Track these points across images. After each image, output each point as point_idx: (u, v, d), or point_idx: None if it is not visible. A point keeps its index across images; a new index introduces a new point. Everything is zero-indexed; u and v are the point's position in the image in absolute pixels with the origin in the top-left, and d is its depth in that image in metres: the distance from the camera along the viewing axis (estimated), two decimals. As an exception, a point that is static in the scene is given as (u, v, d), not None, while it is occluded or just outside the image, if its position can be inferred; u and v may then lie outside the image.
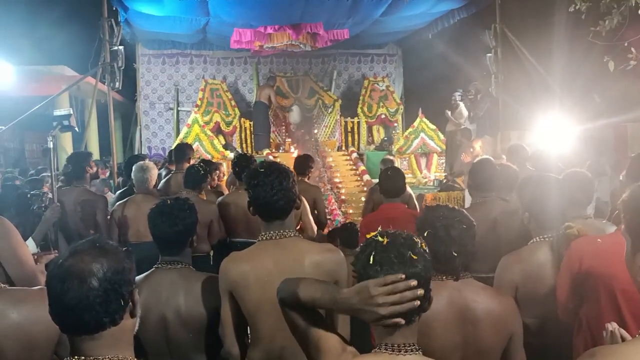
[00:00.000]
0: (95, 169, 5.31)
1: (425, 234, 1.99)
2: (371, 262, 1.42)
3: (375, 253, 1.43)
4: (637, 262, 1.18)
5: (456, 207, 2.15)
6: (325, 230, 5.11)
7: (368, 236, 1.50)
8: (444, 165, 10.17)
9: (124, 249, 1.38)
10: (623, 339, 1.53)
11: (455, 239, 1.99)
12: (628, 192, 1.24)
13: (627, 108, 7.96)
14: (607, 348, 1.19)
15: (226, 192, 5.38)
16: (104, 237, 1.37)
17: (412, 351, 1.41)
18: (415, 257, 1.40)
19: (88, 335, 1.27)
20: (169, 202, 2.39)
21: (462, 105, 9.88)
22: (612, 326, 1.56)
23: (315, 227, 4.51)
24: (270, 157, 10.15)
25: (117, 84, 8.89)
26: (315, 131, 11.79)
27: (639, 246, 1.18)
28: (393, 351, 1.40)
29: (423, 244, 1.44)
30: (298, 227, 4.40)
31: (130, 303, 1.34)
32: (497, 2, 9.32)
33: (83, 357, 1.27)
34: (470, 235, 2.04)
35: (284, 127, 11.85)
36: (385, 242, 1.43)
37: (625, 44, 6.01)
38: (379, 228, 1.52)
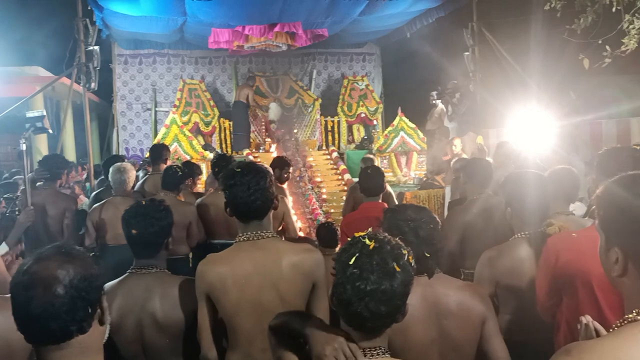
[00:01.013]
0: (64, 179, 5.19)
1: None
2: (351, 263, 1.40)
3: (359, 256, 1.40)
4: (611, 258, 1.18)
5: (423, 205, 2.15)
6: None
7: (357, 235, 1.47)
8: (424, 163, 10.22)
9: (91, 254, 1.33)
10: (597, 332, 1.53)
11: (424, 240, 1.98)
12: (602, 188, 1.24)
13: (602, 105, 8.09)
14: (582, 344, 1.18)
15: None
16: (70, 243, 1.32)
17: (378, 354, 1.40)
18: (398, 269, 1.37)
19: (54, 345, 1.22)
20: (143, 203, 2.34)
21: (440, 104, 9.93)
22: (586, 319, 1.57)
23: (297, 228, 4.49)
24: (251, 157, 10.09)
25: (92, 84, 8.75)
26: (295, 131, 11.74)
27: (612, 241, 1.18)
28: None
29: (410, 257, 1.42)
30: (280, 228, 4.37)
31: (99, 310, 1.29)
32: (474, 1, 9.39)
33: None
34: (438, 233, 2.04)
35: (263, 127, 11.78)
36: (372, 246, 1.40)
37: (600, 42, 6.09)
38: (369, 229, 1.50)
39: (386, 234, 1.46)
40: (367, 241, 1.41)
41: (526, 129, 7.13)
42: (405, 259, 1.41)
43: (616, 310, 2.02)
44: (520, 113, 7.47)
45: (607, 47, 6.03)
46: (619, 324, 1.15)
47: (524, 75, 8.32)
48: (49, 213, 4.59)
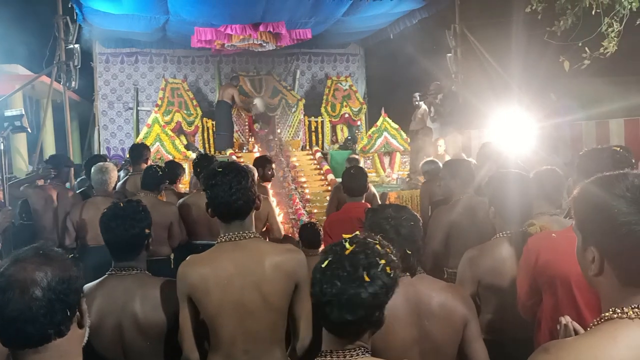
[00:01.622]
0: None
1: None
2: (323, 266, 1.40)
3: (331, 260, 1.39)
4: (588, 257, 1.20)
5: (406, 206, 2.16)
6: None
7: (345, 236, 1.46)
8: (407, 163, 10.26)
9: (70, 255, 1.30)
10: (576, 332, 1.55)
11: (406, 237, 1.99)
12: (579, 188, 1.25)
13: (582, 106, 8.21)
14: (560, 342, 1.20)
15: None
16: (49, 244, 1.29)
17: (358, 355, 1.40)
18: (367, 279, 1.35)
19: (32, 349, 1.20)
20: (121, 204, 2.30)
21: (423, 105, 9.98)
22: (566, 319, 1.59)
23: (282, 229, 4.48)
24: (234, 157, 10.04)
25: (73, 83, 8.64)
26: (279, 131, 11.71)
27: (589, 241, 1.19)
28: (338, 356, 1.40)
29: (388, 268, 1.39)
30: (264, 228, 4.35)
31: (78, 313, 1.26)
32: (456, 2, 9.46)
33: None
34: (419, 230, 2.05)
35: (247, 127, 11.73)
36: (348, 251, 1.39)
37: (580, 44, 6.18)
38: (357, 232, 1.49)
39: (372, 239, 1.44)
40: (347, 245, 1.41)
41: (507, 130, 7.20)
42: (380, 269, 1.37)
43: (594, 309, 2.05)
44: (501, 114, 7.54)
45: (587, 49, 6.12)
46: (596, 323, 1.17)
47: (505, 77, 8.41)
48: (58, 210, 4.74)
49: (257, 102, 11.23)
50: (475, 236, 3.25)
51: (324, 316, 1.40)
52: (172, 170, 5.18)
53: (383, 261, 1.39)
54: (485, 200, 3.51)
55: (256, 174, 4.61)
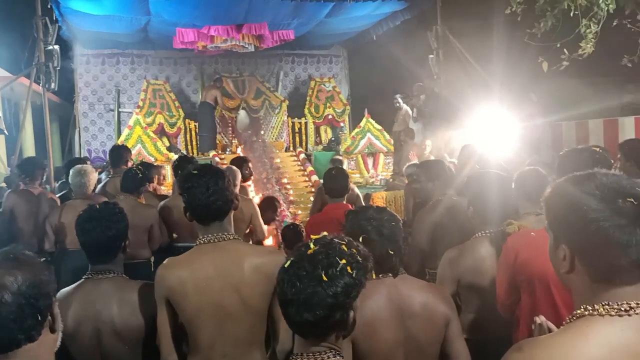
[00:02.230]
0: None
1: (360, 240, 1.97)
2: (285, 267, 1.40)
3: (294, 260, 1.39)
4: (559, 255, 1.21)
5: (387, 206, 2.17)
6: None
7: (313, 237, 1.46)
8: (391, 164, 10.30)
9: (42, 259, 1.28)
10: (551, 331, 1.57)
11: (388, 237, 1.99)
12: (551, 187, 1.27)
13: (562, 107, 8.32)
14: (533, 340, 1.22)
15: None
16: (19, 247, 1.27)
17: (328, 357, 1.39)
18: (325, 279, 1.33)
19: (1, 354, 1.17)
20: (97, 206, 2.27)
21: (405, 106, 10.04)
22: (540, 319, 1.61)
23: (266, 230, 4.46)
24: (217, 159, 10.00)
25: (52, 84, 8.54)
26: (263, 132, 11.68)
27: (560, 239, 1.21)
28: (308, 358, 1.39)
29: (349, 267, 1.36)
30: (248, 230, 4.34)
31: (50, 318, 1.24)
32: (438, 4, 9.52)
33: None
34: (400, 231, 2.06)
35: (230, 128, 11.68)
36: (310, 251, 1.38)
37: (558, 45, 6.26)
38: (324, 233, 1.48)
39: (339, 240, 1.43)
40: (311, 245, 1.40)
41: (489, 130, 7.27)
42: (339, 268, 1.35)
43: (571, 308, 2.06)
44: (483, 114, 7.61)
45: (565, 50, 6.21)
46: (568, 320, 1.18)
47: (486, 77, 8.49)
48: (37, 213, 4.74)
49: (240, 122, 11.13)
50: (457, 236, 3.28)
51: (286, 316, 1.40)
52: (117, 155, 5.19)
53: (344, 261, 1.37)
54: (465, 200, 3.56)
55: (239, 175, 4.60)
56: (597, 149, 2.53)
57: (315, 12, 9.73)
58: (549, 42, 6.47)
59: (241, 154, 10.00)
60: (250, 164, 5.17)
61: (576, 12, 6.10)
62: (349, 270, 1.36)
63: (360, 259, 1.41)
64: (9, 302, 1.15)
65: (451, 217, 3.44)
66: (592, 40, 6.10)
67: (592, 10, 6.02)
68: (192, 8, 9.01)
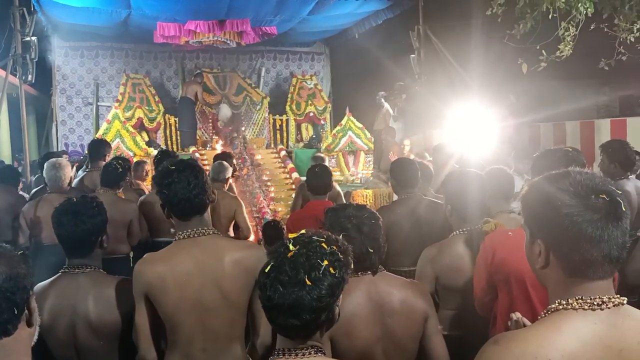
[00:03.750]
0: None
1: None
2: (266, 271, 1.37)
3: (273, 265, 1.36)
4: (535, 250, 1.24)
5: (368, 204, 2.17)
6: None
7: (290, 236, 1.44)
8: (371, 163, 10.35)
9: (20, 252, 1.26)
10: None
11: (368, 235, 2.00)
12: (527, 185, 1.31)
13: (540, 108, 8.45)
14: (509, 334, 1.25)
15: (147, 191, 5.18)
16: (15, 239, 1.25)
17: (310, 354, 1.38)
18: (309, 283, 1.31)
19: None
20: (75, 199, 2.25)
21: (386, 105, 10.09)
22: (516, 315, 1.65)
23: (251, 227, 4.45)
24: (197, 155, 9.94)
25: (29, 76, 8.39)
26: (243, 128, 11.63)
27: (535, 235, 1.25)
28: (290, 355, 1.38)
29: (331, 268, 1.34)
30: (231, 226, 4.33)
31: (26, 311, 1.22)
32: (419, 4, 9.59)
33: None
34: (380, 229, 2.07)
35: (210, 124, 11.60)
36: (290, 253, 1.35)
37: (537, 47, 6.36)
38: (303, 230, 1.46)
39: (318, 237, 1.40)
40: (290, 246, 1.37)
41: (468, 131, 7.35)
42: (322, 270, 1.33)
43: (547, 306, 2.12)
44: (462, 114, 7.68)
45: (544, 52, 6.30)
46: (543, 315, 1.21)
47: (466, 77, 8.58)
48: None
49: (221, 114, 11.06)
50: (416, 234, 3.29)
51: (271, 320, 1.38)
52: (96, 149, 5.17)
53: (326, 262, 1.35)
54: (431, 199, 3.58)
55: (230, 170, 4.59)
56: (570, 149, 2.58)
57: (298, 9, 9.72)
58: (528, 44, 6.56)
59: (221, 150, 9.95)
60: (234, 161, 5.17)
61: (555, 15, 6.20)
62: (332, 271, 1.35)
63: (341, 256, 1.39)
64: None
65: (408, 215, 3.42)
66: (570, 42, 6.20)
67: (571, 13, 6.12)
68: (174, 2, 8.92)
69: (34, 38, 8.39)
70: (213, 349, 2.05)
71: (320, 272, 1.33)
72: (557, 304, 1.19)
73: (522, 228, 2.33)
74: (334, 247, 1.40)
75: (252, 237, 4.81)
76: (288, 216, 6.51)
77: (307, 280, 1.31)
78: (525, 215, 1.29)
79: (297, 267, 1.33)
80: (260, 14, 9.65)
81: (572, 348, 1.12)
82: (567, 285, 1.19)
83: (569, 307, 1.17)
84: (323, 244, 1.39)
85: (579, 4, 5.95)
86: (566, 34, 6.26)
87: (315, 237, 1.41)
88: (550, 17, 6.21)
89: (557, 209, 1.17)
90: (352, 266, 1.47)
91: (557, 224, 1.17)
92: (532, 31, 6.46)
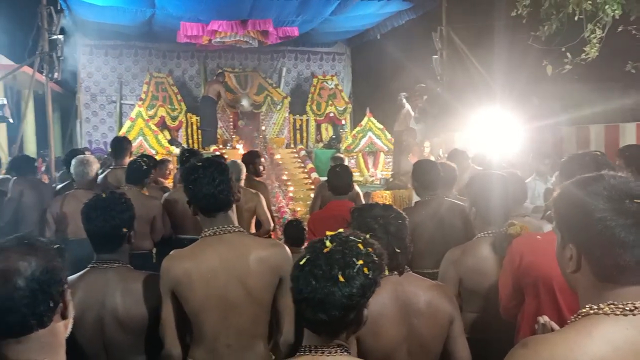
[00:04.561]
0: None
1: None
2: (301, 264, 1.38)
3: (309, 258, 1.38)
4: (566, 255, 1.23)
5: (392, 205, 2.17)
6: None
7: (328, 233, 1.44)
8: (391, 164, 10.32)
9: (56, 246, 1.29)
10: (554, 331, 1.58)
11: (395, 235, 2.00)
12: (558, 189, 1.30)
13: (563, 110, 8.33)
14: (538, 337, 1.24)
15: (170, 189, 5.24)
16: (34, 234, 1.28)
17: (336, 352, 1.38)
18: (342, 280, 1.32)
19: (13, 339, 1.19)
20: (103, 195, 2.29)
21: (407, 106, 10.04)
22: (544, 319, 1.62)
23: (271, 222, 4.49)
24: (217, 154, 10.00)
25: (55, 74, 8.52)
26: (263, 128, 11.70)
27: (567, 239, 1.24)
28: (316, 353, 1.38)
29: (365, 268, 1.35)
30: (253, 221, 4.37)
31: (61, 304, 1.25)
32: (443, 5, 9.52)
33: None
34: (407, 229, 2.06)
35: (231, 123, 11.70)
36: (326, 249, 1.37)
37: (563, 49, 6.27)
38: (340, 230, 1.47)
39: (355, 238, 1.41)
40: (327, 243, 1.38)
41: (490, 133, 7.28)
42: (356, 269, 1.33)
43: (575, 312, 2.09)
44: (484, 116, 7.62)
45: (569, 54, 6.21)
46: (573, 319, 1.20)
47: (489, 80, 8.49)
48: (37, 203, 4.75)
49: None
50: (439, 236, 3.29)
51: (300, 313, 1.39)
52: (119, 147, 5.24)
53: (360, 262, 1.35)
54: (453, 200, 3.56)
55: (244, 170, 4.63)
56: (599, 153, 2.54)
57: (320, 10, 9.74)
58: (552, 46, 6.48)
59: (242, 150, 10.03)
60: (262, 159, 5.23)
61: (581, 17, 6.11)
62: (366, 271, 1.35)
63: (376, 259, 1.40)
64: (22, 287, 1.16)
65: (432, 217, 3.41)
66: (597, 45, 6.11)
67: (598, 15, 6.02)
68: (197, 2, 9.01)
69: (60, 36, 8.52)
70: (237, 345, 2.08)
71: (355, 270, 1.34)
72: (587, 309, 1.17)
73: (549, 232, 2.32)
74: (370, 249, 1.41)
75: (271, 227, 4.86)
76: (307, 216, 6.55)
77: (340, 276, 1.32)
78: (556, 219, 1.28)
79: (332, 263, 1.34)
80: (283, 14, 9.69)
81: (602, 353, 1.11)
82: (599, 290, 1.17)
83: (600, 312, 1.15)
84: (359, 245, 1.40)
85: (606, 6, 5.86)
86: (592, 36, 6.16)
87: (352, 237, 1.42)
88: (576, 18, 6.13)
89: (590, 213, 1.16)
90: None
91: (589, 228, 1.16)
92: (557, 33, 6.38)
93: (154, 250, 4.38)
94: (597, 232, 1.14)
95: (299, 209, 8.79)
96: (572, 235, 1.22)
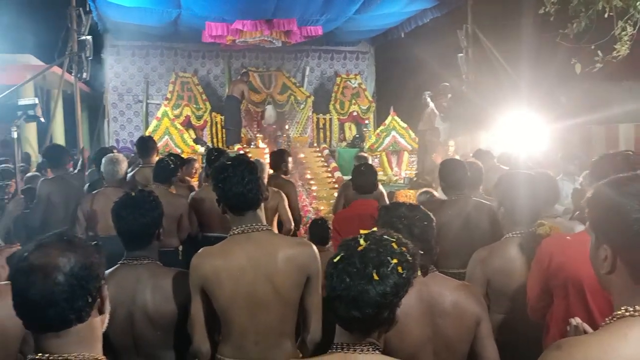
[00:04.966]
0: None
1: None
2: (335, 261, 1.40)
3: (343, 255, 1.39)
4: (600, 255, 1.22)
5: (419, 205, 2.16)
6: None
7: (362, 232, 1.45)
8: (415, 163, 10.26)
9: (93, 242, 1.33)
10: (586, 333, 1.56)
11: (418, 237, 1.98)
12: (592, 190, 1.28)
13: (592, 110, 8.18)
14: (572, 339, 1.23)
15: (196, 188, 5.30)
16: (72, 231, 1.32)
17: (368, 350, 1.39)
18: (376, 278, 1.33)
19: (53, 333, 1.22)
20: (133, 194, 2.33)
21: (432, 105, 9.97)
22: (576, 321, 1.60)
23: (292, 221, 4.51)
24: (242, 152, 10.08)
25: (84, 74, 8.70)
26: (287, 127, 11.75)
27: (601, 239, 1.22)
28: (348, 350, 1.39)
29: (399, 267, 1.36)
30: (275, 219, 4.39)
31: (99, 299, 1.29)
32: (469, 2, 9.43)
33: (47, 355, 1.22)
34: (432, 230, 2.06)
35: (255, 123, 11.78)
36: (361, 247, 1.38)
37: (592, 47, 6.15)
38: (374, 229, 1.48)
39: (389, 237, 1.42)
40: (361, 241, 1.40)
41: (517, 132, 7.19)
42: (390, 268, 1.35)
43: (606, 314, 2.04)
44: (511, 116, 7.52)
45: (599, 52, 6.10)
46: (608, 321, 1.19)
47: (515, 78, 8.38)
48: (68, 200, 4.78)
49: (267, 113, 11.24)
50: (465, 236, 3.26)
51: (333, 310, 1.40)
52: (145, 146, 5.25)
53: (395, 260, 1.36)
54: (480, 200, 3.53)
55: (267, 168, 4.65)
56: (630, 153, 2.50)
57: (345, 8, 9.73)
58: (581, 44, 6.36)
59: (266, 149, 10.08)
60: (290, 158, 5.25)
61: (611, 14, 5.99)
62: (400, 270, 1.36)
63: (410, 258, 1.40)
64: (61, 283, 1.20)
65: (460, 218, 3.38)
66: (627, 42, 5.97)
67: (628, 12, 5.89)
68: (223, 2, 9.09)
69: (89, 37, 8.68)
70: (265, 343, 2.10)
71: (389, 269, 1.35)
72: (623, 311, 1.16)
73: (580, 233, 2.29)
74: (404, 249, 1.42)
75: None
76: (330, 215, 6.56)
77: (374, 274, 1.33)
78: (590, 220, 1.27)
79: (367, 261, 1.35)
80: (307, 13, 9.71)
81: (637, 356, 1.09)
82: (635, 292, 1.16)
83: (637, 314, 1.14)
84: (393, 244, 1.41)
85: (637, 3, 5.73)
86: (623, 33, 6.02)
87: (386, 236, 1.43)
88: (606, 15, 6.00)
89: (626, 213, 1.14)
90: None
91: (625, 229, 1.15)
92: (587, 30, 6.26)
93: (180, 248, 4.43)
94: (634, 233, 1.13)
95: (322, 207, 8.81)
96: (607, 236, 1.20)
